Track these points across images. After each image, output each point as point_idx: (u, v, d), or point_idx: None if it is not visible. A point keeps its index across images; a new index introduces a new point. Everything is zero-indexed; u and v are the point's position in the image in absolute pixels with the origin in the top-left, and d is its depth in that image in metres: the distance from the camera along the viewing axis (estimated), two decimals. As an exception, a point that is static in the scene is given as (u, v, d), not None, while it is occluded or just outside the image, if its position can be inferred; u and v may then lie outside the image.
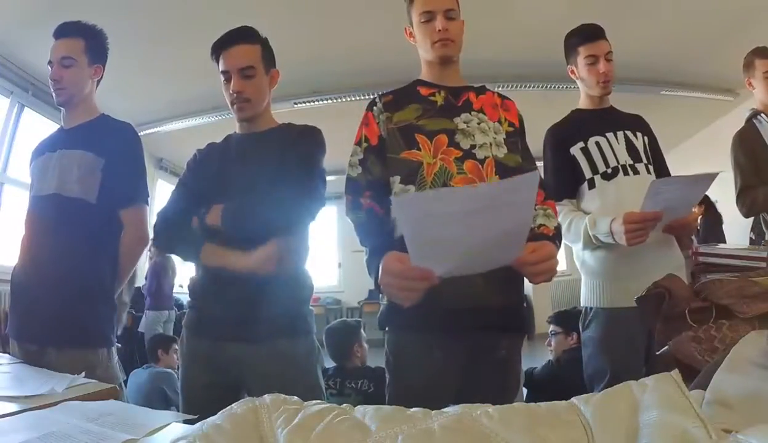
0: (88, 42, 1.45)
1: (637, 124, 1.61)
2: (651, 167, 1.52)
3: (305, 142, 1.31)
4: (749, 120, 1.93)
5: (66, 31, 1.43)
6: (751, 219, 1.99)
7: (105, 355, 1.34)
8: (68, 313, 1.30)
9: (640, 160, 1.51)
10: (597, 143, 1.52)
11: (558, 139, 1.58)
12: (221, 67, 1.29)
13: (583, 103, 1.65)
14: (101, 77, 1.51)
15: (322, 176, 1.30)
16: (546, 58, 1.74)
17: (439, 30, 1.16)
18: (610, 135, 1.53)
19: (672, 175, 1.54)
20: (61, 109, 1.49)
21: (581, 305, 1.58)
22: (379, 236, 1.08)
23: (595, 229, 1.41)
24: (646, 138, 1.57)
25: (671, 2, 3.54)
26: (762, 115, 1.90)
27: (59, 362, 1.22)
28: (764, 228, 1.93)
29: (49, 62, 1.42)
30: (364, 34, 3.83)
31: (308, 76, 4.23)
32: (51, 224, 1.37)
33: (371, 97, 1.26)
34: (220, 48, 1.29)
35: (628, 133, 1.54)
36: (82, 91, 1.46)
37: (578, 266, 1.59)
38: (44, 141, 1.53)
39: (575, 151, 1.53)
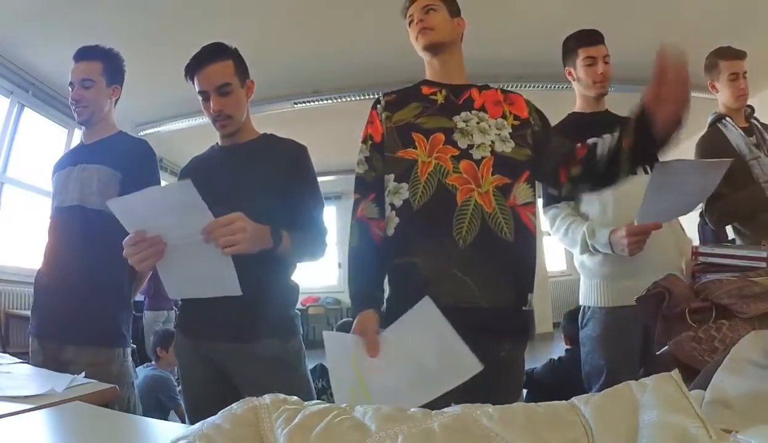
0: (106, 65, 1.55)
1: None
2: (648, 168, 1.52)
3: (303, 174, 1.36)
4: (713, 124, 1.84)
5: (85, 54, 1.53)
6: None
7: (121, 354, 1.46)
8: (89, 314, 1.40)
9: None
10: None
11: None
12: (197, 88, 1.30)
13: (579, 106, 1.65)
14: (119, 97, 1.61)
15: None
16: (547, 58, 1.74)
17: (417, 21, 1.21)
18: (606, 136, 1.52)
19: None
20: (82, 127, 1.60)
21: (580, 304, 1.61)
22: (363, 280, 1.14)
23: (594, 239, 1.43)
24: None
25: (671, 2, 3.54)
26: (727, 118, 1.82)
27: (78, 357, 1.34)
28: (738, 240, 1.81)
29: (70, 83, 1.51)
30: (364, 34, 3.82)
31: (308, 76, 4.22)
32: (73, 233, 1.47)
33: (371, 97, 1.28)
34: (193, 69, 1.29)
35: None
36: (102, 110, 1.56)
37: (577, 267, 1.62)
38: (66, 155, 1.66)
39: None
